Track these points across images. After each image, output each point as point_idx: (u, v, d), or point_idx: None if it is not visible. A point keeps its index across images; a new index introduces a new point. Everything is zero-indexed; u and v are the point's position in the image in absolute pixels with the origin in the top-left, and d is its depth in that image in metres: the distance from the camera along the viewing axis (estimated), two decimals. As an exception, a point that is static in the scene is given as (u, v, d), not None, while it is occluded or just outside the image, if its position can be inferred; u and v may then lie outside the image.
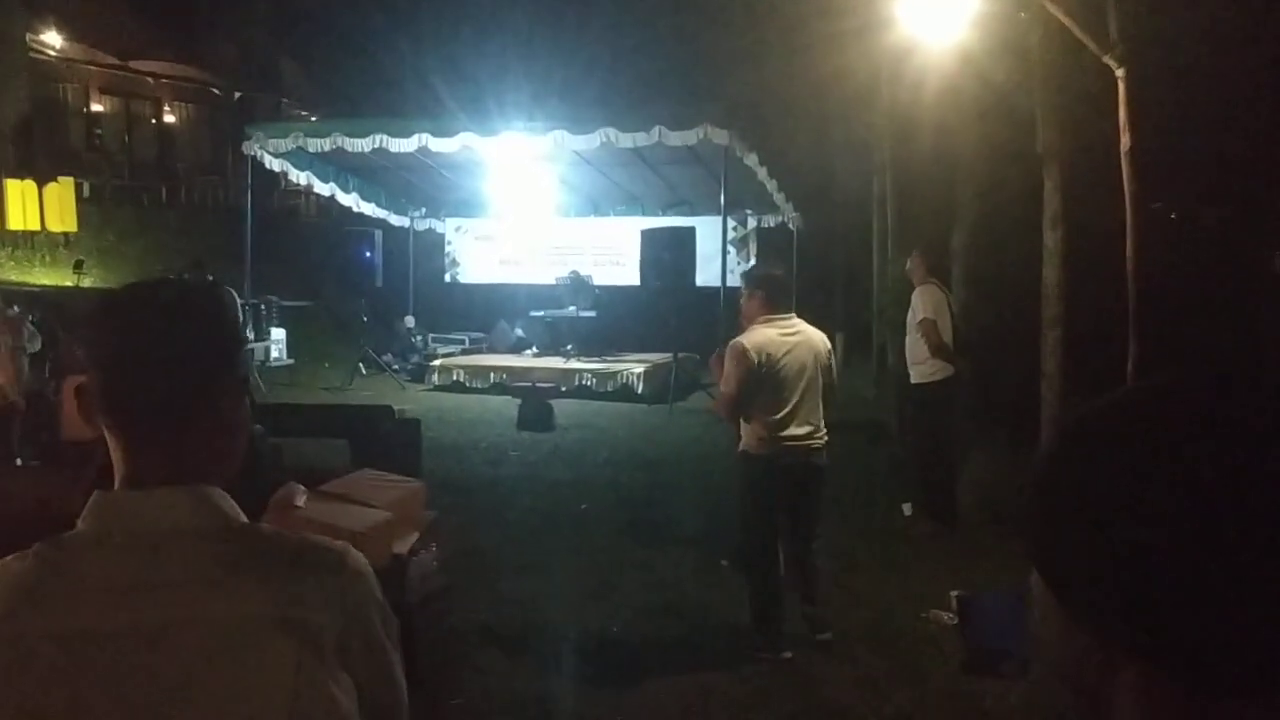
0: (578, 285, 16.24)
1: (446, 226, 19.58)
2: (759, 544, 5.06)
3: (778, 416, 4.87)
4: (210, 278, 11.69)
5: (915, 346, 7.40)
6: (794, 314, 5.06)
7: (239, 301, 12.75)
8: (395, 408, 9.82)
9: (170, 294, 1.23)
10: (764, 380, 4.85)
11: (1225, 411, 0.66)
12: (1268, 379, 0.68)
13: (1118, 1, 5.13)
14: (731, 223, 16.01)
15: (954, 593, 5.32)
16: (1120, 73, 5.10)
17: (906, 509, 7.58)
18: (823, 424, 5.03)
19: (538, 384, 13.30)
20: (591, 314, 15.86)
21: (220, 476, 1.20)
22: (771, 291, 5.04)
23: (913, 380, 7.45)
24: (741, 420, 5.00)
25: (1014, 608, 4.77)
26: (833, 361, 5.16)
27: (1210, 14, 6.28)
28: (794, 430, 4.90)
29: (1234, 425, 0.65)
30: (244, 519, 1.18)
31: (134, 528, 1.11)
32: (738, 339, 4.98)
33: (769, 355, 4.85)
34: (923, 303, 7.29)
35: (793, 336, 4.95)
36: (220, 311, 1.24)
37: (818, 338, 5.06)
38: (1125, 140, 5.18)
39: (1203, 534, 0.63)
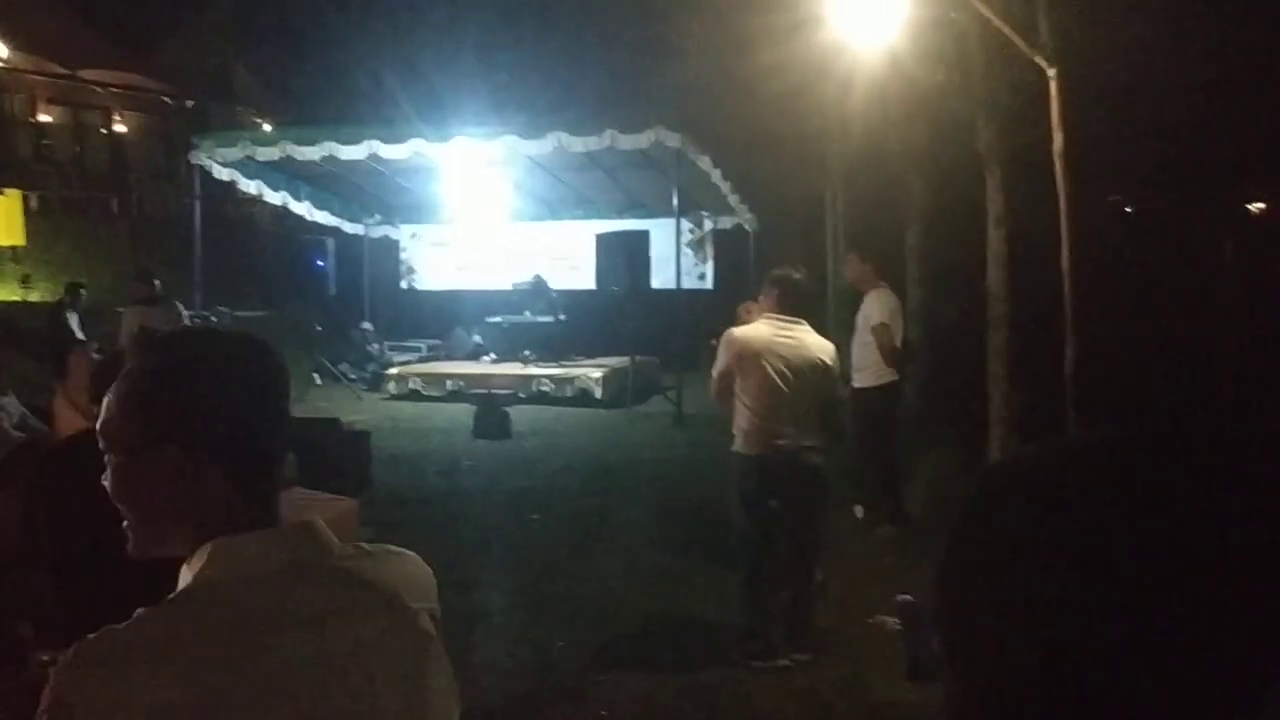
0: (538, 289, 16.15)
1: (401, 233, 19.41)
2: (746, 545, 5.05)
3: (764, 416, 4.89)
4: (157, 282, 11.41)
5: (862, 350, 7.33)
6: (803, 320, 5.05)
7: (189, 314, 12.55)
8: (343, 420, 9.72)
9: (263, 352, 1.27)
10: (745, 373, 4.89)
11: (1155, 479, 0.60)
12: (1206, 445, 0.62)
13: (1048, 2, 5.14)
14: (688, 225, 16.00)
15: (900, 597, 5.30)
16: (1051, 73, 5.11)
17: (858, 512, 7.56)
18: (815, 433, 4.97)
19: (495, 390, 13.21)
20: (549, 319, 15.78)
21: None
22: (785, 293, 5.05)
23: (857, 385, 7.37)
24: (737, 419, 5.02)
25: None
26: (835, 374, 5.12)
27: (1139, 13, 6.32)
28: (782, 430, 4.89)
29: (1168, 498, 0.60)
30: (336, 541, 1.26)
31: (272, 566, 1.16)
32: (731, 329, 5.13)
33: (752, 350, 4.89)
34: (879, 307, 7.23)
35: (788, 340, 4.94)
36: (281, 358, 1.30)
37: (818, 347, 5.01)
38: (1057, 140, 5.19)
39: (1124, 628, 0.57)
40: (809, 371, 4.92)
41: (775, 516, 5.07)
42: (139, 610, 1.12)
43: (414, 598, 1.26)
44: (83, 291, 13.70)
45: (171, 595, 1.15)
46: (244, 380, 1.22)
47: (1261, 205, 19.55)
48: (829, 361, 5.03)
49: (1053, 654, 0.59)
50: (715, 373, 5.09)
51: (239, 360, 1.23)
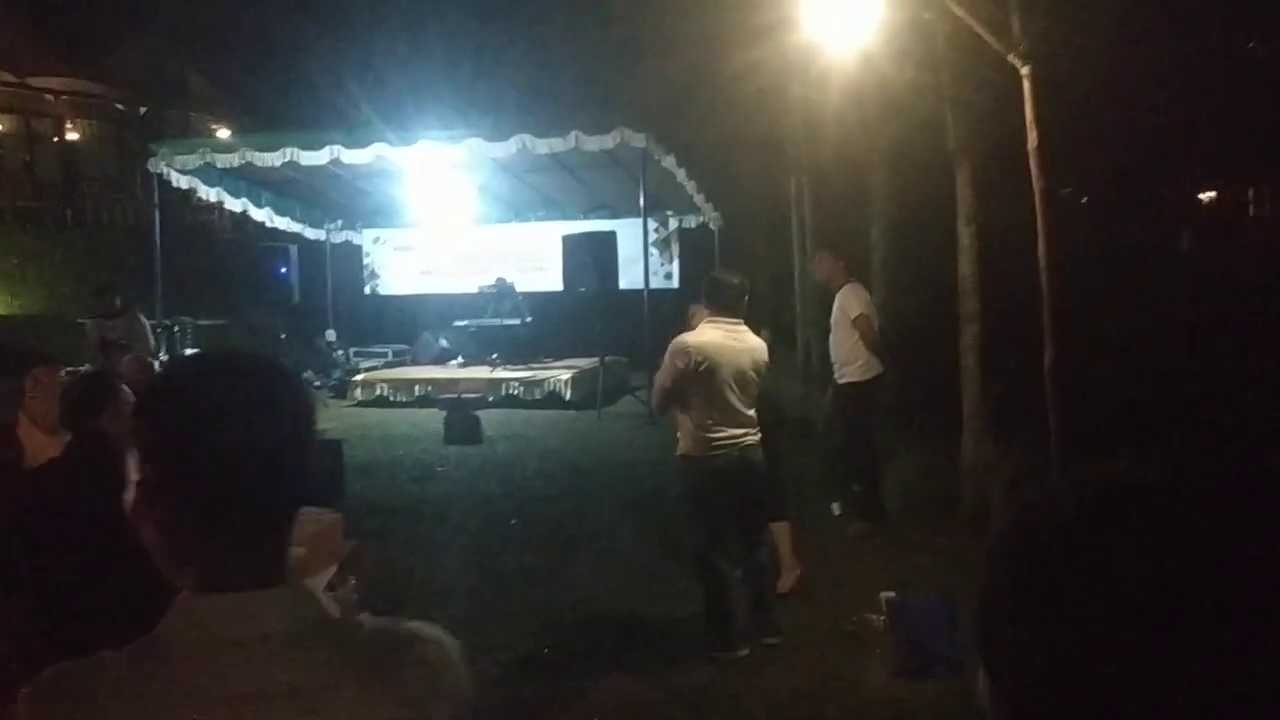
0: (504, 292, 16.08)
1: (364, 238, 19.23)
2: (704, 543, 5.12)
3: (713, 418, 4.95)
4: (118, 301, 11.25)
5: (844, 345, 7.35)
6: (740, 320, 5.11)
7: (150, 324, 12.35)
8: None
9: (253, 377, 1.12)
10: (701, 379, 4.91)
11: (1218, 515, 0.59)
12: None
13: (1020, 2, 5.18)
14: (653, 224, 15.98)
15: (884, 594, 5.32)
16: (1025, 70, 5.15)
17: (835, 508, 7.58)
18: (755, 424, 5.12)
19: (464, 395, 13.11)
20: (516, 321, 15.71)
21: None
22: (716, 295, 5.11)
23: (843, 380, 7.39)
24: (681, 423, 5.07)
25: (943, 610, 4.77)
26: (767, 370, 5.24)
27: (1110, 9, 6.40)
28: (729, 431, 4.99)
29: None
30: (337, 614, 1.11)
31: (232, 634, 1.04)
32: (683, 335, 5.09)
33: (708, 356, 4.92)
34: (856, 301, 7.28)
35: (735, 343, 5.03)
36: (300, 391, 1.15)
37: (757, 345, 5.16)
38: (1031, 137, 5.23)
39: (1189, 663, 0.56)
40: (753, 371, 5.07)
41: (725, 514, 5.13)
42: (102, 652, 1.06)
43: (418, 694, 1.10)
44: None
45: (132, 643, 1.06)
46: (231, 421, 1.06)
47: (1213, 194, 19.85)
48: (766, 358, 5.20)
49: (1110, 689, 0.58)
50: (666, 382, 5.00)
51: (230, 399, 1.08)
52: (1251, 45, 12.11)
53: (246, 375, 1.12)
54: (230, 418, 1.06)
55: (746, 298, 5.21)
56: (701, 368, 4.90)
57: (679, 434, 5.13)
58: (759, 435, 5.15)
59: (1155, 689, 0.56)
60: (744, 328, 5.12)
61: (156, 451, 1.07)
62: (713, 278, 5.26)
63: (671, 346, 5.02)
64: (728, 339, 5.01)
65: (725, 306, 5.08)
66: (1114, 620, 0.58)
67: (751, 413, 5.09)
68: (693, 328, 5.24)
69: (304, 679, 1.04)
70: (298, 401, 1.13)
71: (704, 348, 4.94)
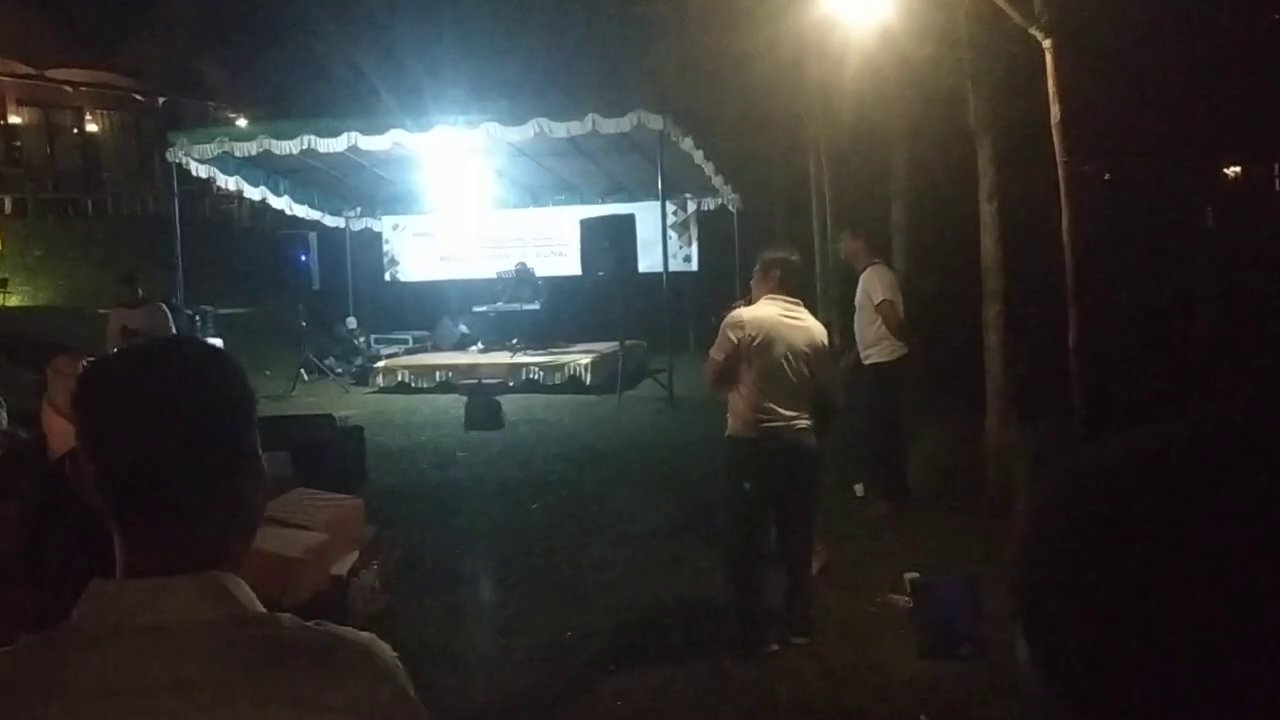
0: (523, 277, 16.08)
1: (383, 225, 19.24)
2: (739, 530, 4.98)
3: (765, 397, 4.81)
4: (140, 291, 11.30)
5: (869, 328, 7.29)
6: (799, 300, 5.01)
7: (172, 314, 12.41)
8: (337, 415, 9.65)
9: (173, 361, 1.11)
10: (754, 356, 4.79)
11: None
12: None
13: (1041, -27, 5.10)
14: (671, 207, 15.92)
15: (908, 575, 5.30)
16: (1047, 44, 5.07)
17: (858, 489, 7.54)
18: (808, 409, 4.94)
19: (484, 380, 13.12)
20: (535, 306, 15.70)
21: (231, 562, 1.08)
22: (786, 274, 4.98)
23: (869, 361, 7.34)
24: (731, 403, 4.93)
25: (968, 590, 4.74)
26: (830, 354, 5.11)
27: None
28: (781, 411, 4.83)
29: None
30: (260, 608, 1.06)
31: (139, 622, 1.00)
32: (739, 310, 4.94)
33: (764, 332, 4.80)
34: (881, 284, 7.20)
35: (794, 321, 4.91)
36: (230, 377, 1.12)
37: (817, 328, 5.01)
38: (1055, 111, 5.16)
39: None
40: (811, 353, 4.89)
41: (770, 500, 5.02)
42: (23, 638, 1.04)
43: (335, 702, 1.01)
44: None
45: (51, 629, 1.04)
46: (114, 412, 1.06)
47: (1237, 169, 19.61)
48: (826, 342, 5.04)
49: (1165, 662, 0.56)
50: (719, 356, 4.86)
51: (117, 388, 1.07)
52: (1277, 17, 11.93)
53: (160, 366, 1.10)
54: (133, 405, 1.05)
55: (802, 277, 5.08)
56: (755, 342, 4.77)
57: (729, 415, 4.97)
58: (809, 421, 4.95)
59: (1206, 644, 0.54)
60: (802, 307, 5.00)
61: (81, 435, 1.06)
62: (773, 253, 5.11)
63: (726, 320, 4.89)
64: (784, 315, 4.88)
65: (785, 285, 4.95)
66: (1166, 573, 0.55)
67: (806, 398, 4.90)
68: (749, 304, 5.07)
69: (202, 673, 0.99)
70: (215, 392, 1.10)
71: (759, 322, 4.82)
